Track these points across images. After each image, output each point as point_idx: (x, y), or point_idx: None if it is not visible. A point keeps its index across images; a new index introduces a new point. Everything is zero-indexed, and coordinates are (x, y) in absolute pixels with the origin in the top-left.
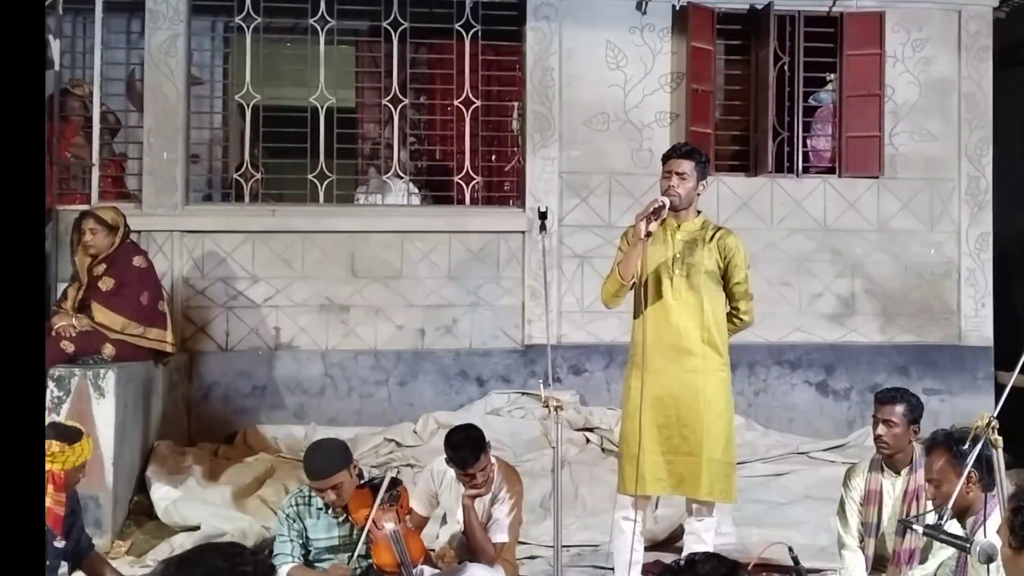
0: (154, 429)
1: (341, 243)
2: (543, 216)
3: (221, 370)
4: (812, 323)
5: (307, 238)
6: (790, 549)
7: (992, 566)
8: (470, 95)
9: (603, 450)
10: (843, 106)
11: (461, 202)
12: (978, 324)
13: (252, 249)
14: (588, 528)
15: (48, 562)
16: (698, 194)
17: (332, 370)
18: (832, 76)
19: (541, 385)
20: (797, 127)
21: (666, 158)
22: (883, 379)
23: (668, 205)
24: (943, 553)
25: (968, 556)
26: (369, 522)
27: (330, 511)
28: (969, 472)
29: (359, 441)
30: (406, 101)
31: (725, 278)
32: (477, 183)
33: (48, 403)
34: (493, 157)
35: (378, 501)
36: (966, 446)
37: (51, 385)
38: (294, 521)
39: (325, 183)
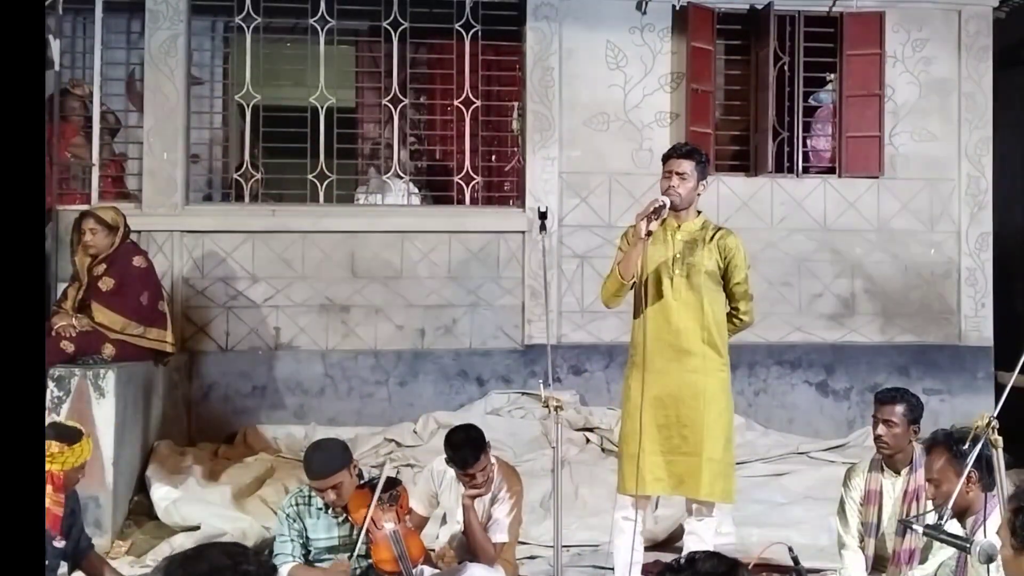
0: (154, 429)
1: (341, 243)
2: (543, 216)
3: (221, 370)
4: (812, 323)
5: (307, 238)
6: (790, 549)
7: (992, 566)
8: (470, 95)
9: (603, 450)
10: (843, 106)
11: (461, 202)
12: (978, 324)
13: (252, 249)
14: (588, 528)
15: (48, 562)
16: (698, 194)
17: (332, 370)
18: (832, 76)
19: (541, 385)
20: (797, 127)
21: (666, 158)
22: (883, 379)
23: (669, 204)
24: (943, 553)
25: (968, 556)
26: (368, 521)
27: (330, 511)
28: (969, 472)
29: (359, 441)
30: (406, 101)
31: (725, 278)
32: (477, 183)
33: (48, 403)
34: (493, 157)
35: (375, 499)
36: (966, 446)
37: (51, 385)
38: (294, 521)
39: (325, 183)
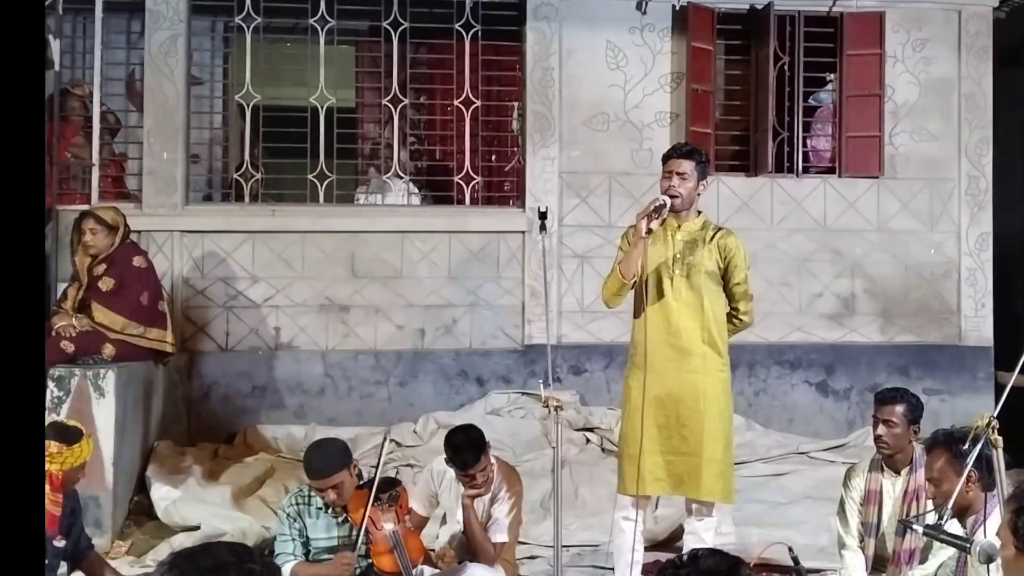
0: (154, 429)
1: (341, 243)
2: (543, 216)
3: (221, 370)
4: (812, 323)
5: (307, 238)
6: (790, 549)
7: (992, 566)
8: (470, 95)
9: (603, 450)
10: (843, 106)
11: (461, 202)
12: (978, 324)
13: (252, 249)
14: (588, 528)
15: (48, 561)
16: (698, 194)
17: (332, 370)
18: (832, 76)
19: (541, 385)
20: (797, 127)
21: (666, 158)
22: (883, 379)
23: (669, 204)
24: (943, 553)
25: (968, 556)
26: (366, 520)
27: (330, 511)
28: (969, 472)
29: (359, 441)
30: (406, 101)
31: (725, 278)
32: (477, 183)
33: (48, 403)
34: (493, 157)
35: (371, 498)
36: (966, 446)
37: (51, 385)
38: (294, 520)
39: (325, 183)
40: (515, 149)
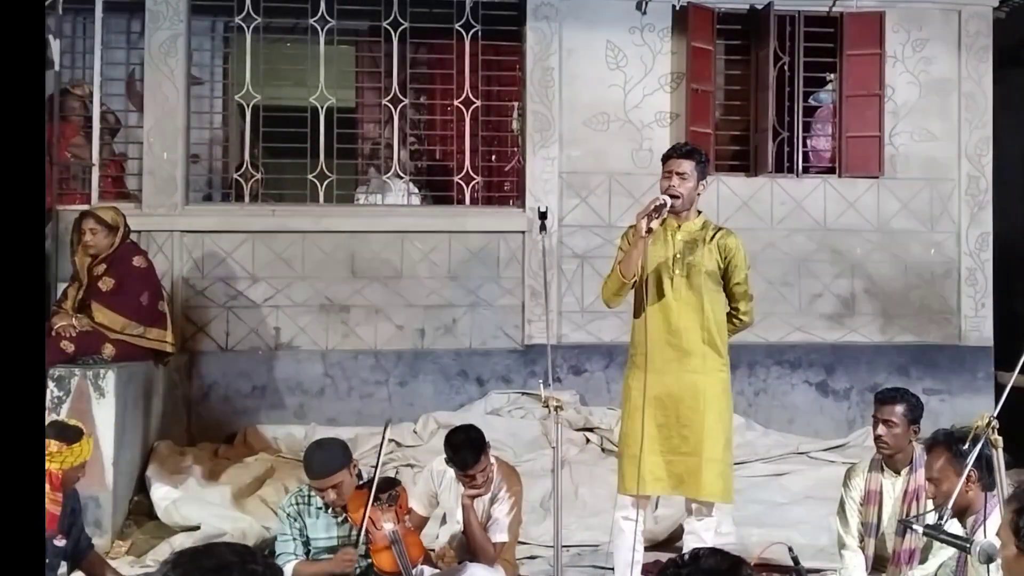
0: (154, 429)
1: (341, 243)
2: (543, 216)
3: (221, 370)
4: (812, 323)
5: (307, 238)
6: (790, 549)
7: (992, 566)
8: (470, 95)
9: (603, 450)
10: (843, 106)
11: (461, 202)
12: (978, 324)
13: (252, 249)
14: (588, 528)
15: (48, 561)
16: (698, 194)
17: (332, 370)
18: (832, 76)
19: (541, 385)
20: (797, 127)
21: (666, 158)
22: (883, 379)
23: (669, 203)
24: (943, 553)
25: (968, 556)
26: (366, 520)
27: (329, 511)
28: (969, 472)
29: (359, 441)
30: (406, 101)
31: (725, 278)
32: (477, 183)
33: (48, 403)
34: (493, 157)
35: (371, 498)
36: (966, 446)
37: (51, 385)
38: (295, 520)
39: (325, 183)
40: (515, 149)
